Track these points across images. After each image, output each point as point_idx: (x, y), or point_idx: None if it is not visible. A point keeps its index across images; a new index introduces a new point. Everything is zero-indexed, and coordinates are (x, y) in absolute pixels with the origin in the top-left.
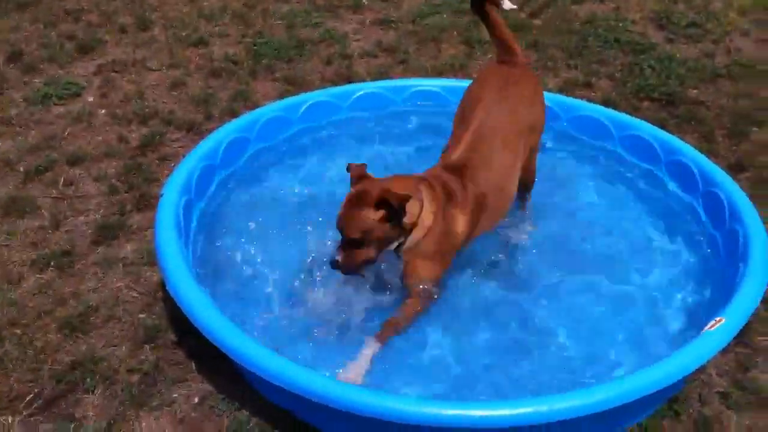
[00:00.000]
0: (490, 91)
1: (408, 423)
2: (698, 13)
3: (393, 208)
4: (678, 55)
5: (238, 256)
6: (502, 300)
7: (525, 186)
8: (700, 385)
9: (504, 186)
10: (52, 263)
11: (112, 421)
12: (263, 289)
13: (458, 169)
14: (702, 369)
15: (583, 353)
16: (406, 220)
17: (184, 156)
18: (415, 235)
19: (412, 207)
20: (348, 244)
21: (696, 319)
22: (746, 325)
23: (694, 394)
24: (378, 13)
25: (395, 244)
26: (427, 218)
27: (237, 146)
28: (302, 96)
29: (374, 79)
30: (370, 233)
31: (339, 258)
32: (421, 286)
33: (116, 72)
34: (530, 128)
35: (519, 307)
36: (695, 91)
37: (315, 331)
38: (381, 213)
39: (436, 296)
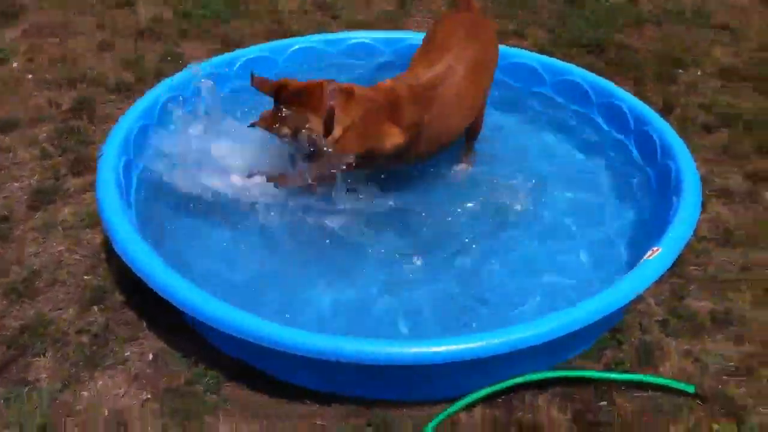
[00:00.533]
0: (459, 30)
1: (362, 363)
2: None
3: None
4: (605, 2)
5: (182, 211)
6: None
7: (472, 133)
8: (639, 315)
9: (457, 118)
10: None
11: (66, 383)
12: (209, 240)
13: (417, 89)
14: (641, 299)
15: (519, 288)
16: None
17: (117, 118)
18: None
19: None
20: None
21: (634, 251)
22: (679, 257)
23: (634, 324)
24: None
25: None
26: (337, 131)
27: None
28: (238, 52)
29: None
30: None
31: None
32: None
33: (41, 37)
34: (491, 72)
35: (454, 241)
36: (622, 36)
37: (266, 274)
38: None
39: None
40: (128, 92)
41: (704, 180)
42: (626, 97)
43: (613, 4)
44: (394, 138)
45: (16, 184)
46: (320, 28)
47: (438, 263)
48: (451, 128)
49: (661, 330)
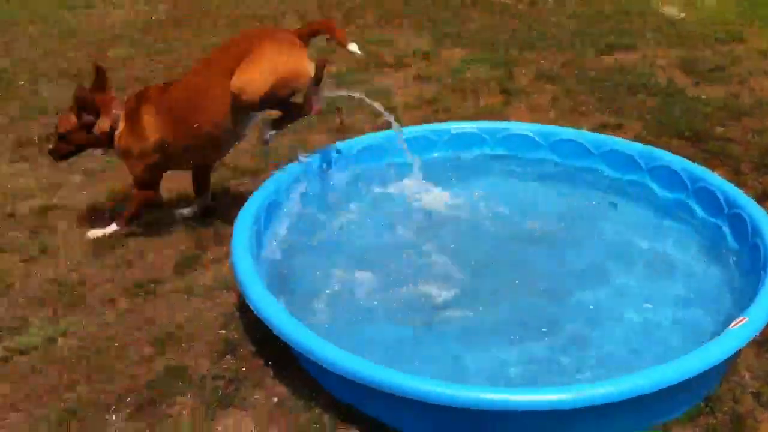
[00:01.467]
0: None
1: (476, 409)
2: (722, 58)
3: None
4: (704, 97)
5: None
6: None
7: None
8: (734, 387)
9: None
10: (140, 289)
11: (203, 420)
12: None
13: (162, 88)
14: (734, 371)
15: (615, 355)
16: (95, 130)
17: (247, 197)
18: (116, 143)
19: (101, 122)
20: (58, 138)
21: (724, 323)
22: None
23: (728, 395)
24: (419, 69)
25: (103, 147)
26: (118, 129)
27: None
28: (356, 139)
29: None
30: (71, 133)
31: (51, 146)
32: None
33: None
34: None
35: (547, 312)
36: (722, 128)
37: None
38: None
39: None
40: (259, 177)
41: None
42: (718, 182)
43: (712, 98)
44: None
45: (165, 251)
46: (430, 121)
47: (536, 331)
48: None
49: (754, 401)
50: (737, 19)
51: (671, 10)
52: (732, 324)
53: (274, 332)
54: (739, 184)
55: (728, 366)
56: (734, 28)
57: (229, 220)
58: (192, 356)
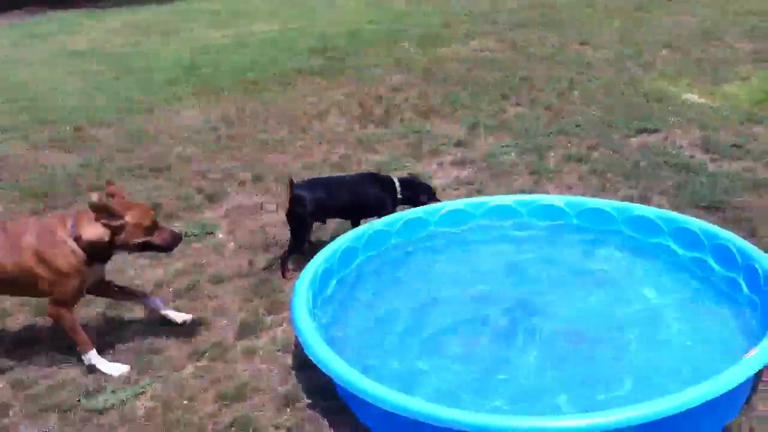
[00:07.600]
0: None
1: None
2: (739, 137)
3: None
4: (723, 170)
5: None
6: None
7: None
8: (749, 419)
9: None
10: (206, 354)
11: None
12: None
13: None
14: (751, 404)
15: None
16: None
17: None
18: None
19: None
20: None
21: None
22: None
23: (745, 426)
24: (455, 156)
25: None
26: None
27: (349, 253)
28: (400, 214)
29: None
30: None
31: None
32: None
33: (240, 214)
34: None
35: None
36: (740, 198)
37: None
38: None
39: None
40: (313, 252)
41: None
42: (732, 238)
43: (730, 172)
44: None
45: (225, 321)
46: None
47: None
48: None
49: None
50: (756, 106)
51: (692, 97)
52: (744, 356)
53: (339, 386)
54: (758, 246)
55: (745, 398)
56: (753, 112)
57: (281, 291)
58: (254, 410)
